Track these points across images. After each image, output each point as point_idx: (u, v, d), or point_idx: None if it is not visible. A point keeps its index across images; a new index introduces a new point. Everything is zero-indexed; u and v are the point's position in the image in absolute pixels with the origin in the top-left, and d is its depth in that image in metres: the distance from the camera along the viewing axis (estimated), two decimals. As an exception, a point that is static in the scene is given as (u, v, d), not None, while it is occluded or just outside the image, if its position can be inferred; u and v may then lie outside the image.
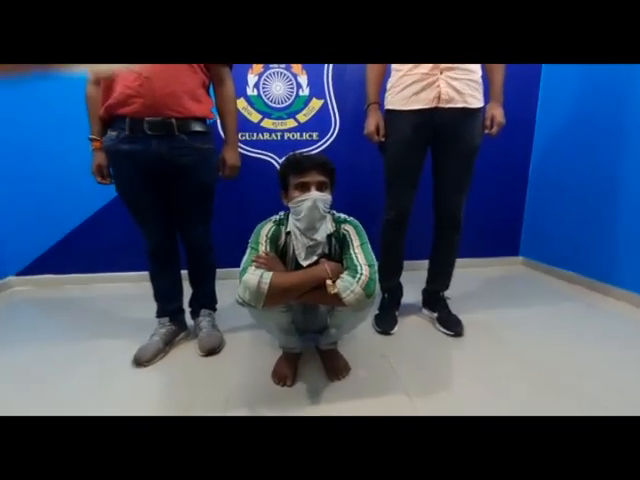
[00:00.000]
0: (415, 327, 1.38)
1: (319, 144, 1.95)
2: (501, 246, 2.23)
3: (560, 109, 1.92)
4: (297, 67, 1.86)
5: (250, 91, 1.86)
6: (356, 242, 0.92)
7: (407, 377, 1.04)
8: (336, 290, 0.81)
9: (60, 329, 1.44)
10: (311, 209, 0.88)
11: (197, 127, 1.05)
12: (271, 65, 1.84)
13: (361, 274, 0.84)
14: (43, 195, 1.85)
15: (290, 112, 1.91)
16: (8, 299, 1.80)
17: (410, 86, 1.11)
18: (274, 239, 0.95)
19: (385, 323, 1.31)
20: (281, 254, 0.97)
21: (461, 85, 1.09)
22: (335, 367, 1.05)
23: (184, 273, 1.28)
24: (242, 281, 0.83)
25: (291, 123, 1.92)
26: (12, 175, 1.82)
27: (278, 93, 1.88)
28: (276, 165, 1.93)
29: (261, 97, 1.87)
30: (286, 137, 1.92)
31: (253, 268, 0.84)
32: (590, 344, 1.23)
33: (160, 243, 1.16)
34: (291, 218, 0.96)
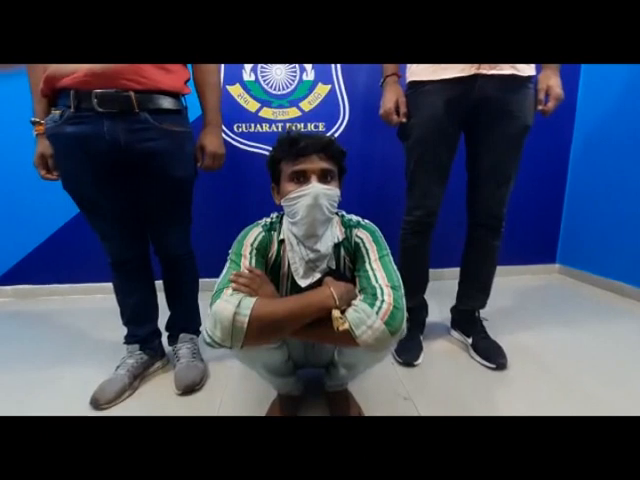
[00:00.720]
0: (445, 356, 1.11)
1: (326, 134, 1.70)
2: (536, 252, 1.94)
3: (604, 99, 1.64)
4: (300, 48, 1.62)
5: (247, 76, 1.63)
6: (373, 254, 0.67)
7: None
8: (346, 326, 0.56)
9: (29, 349, 1.24)
10: (311, 208, 0.63)
11: (166, 104, 0.81)
12: (270, 46, 1.60)
13: (382, 301, 0.59)
14: (19, 197, 1.65)
15: (293, 100, 1.66)
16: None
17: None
18: (262, 250, 0.71)
19: (407, 352, 1.04)
20: (272, 270, 0.72)
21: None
22: (345, 415, 0.79)
23: (160, 286, 1.05)
24: (212, 311, 0.58)
25: (294, 112, 1.67)
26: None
27: (279, 78, 1.64)
28: (277, 160, 1.69)
29: (259, 83, 1.64)
30: (286, 126, 1.68)
31: (229, 292, 0.60)
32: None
33: (126, 254, 0.93)
34: (285, 222, 0.71)
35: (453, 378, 1.00)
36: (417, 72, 0.93)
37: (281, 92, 1.66)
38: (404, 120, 0.96)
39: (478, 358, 1.04)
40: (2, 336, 1.36)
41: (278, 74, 1.64)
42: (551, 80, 0.89)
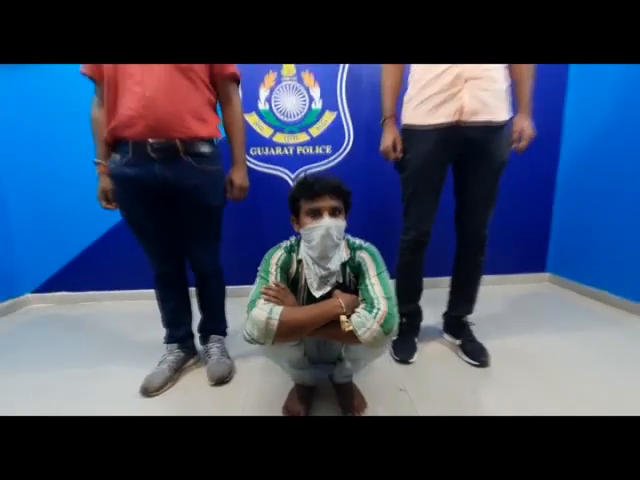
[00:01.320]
0: (436, 355, 1.28)
1: (332, 158, 1.89)
2: (526, 261, 2.10)
3: (591, 114, 1.79)
4: (309, 79, 1.82)
5: (262, 105, 1.83)
6: (372, 271, 0.85)
7: (427, 414, 0.95)
8: (351, 328, 0.74)
9: (73, 350, 1.42)
10: (324, 237, 0.82)
11: (203, 148, 1.01)
12: (283, 78, 1.80)
13: (378, 309, 0.77)
14: (58, 213, 1.87)
15: (302, 126, 1.86)
16: (24, 317, 1.82)
17: (431, 98, 1.04)
18: (285, 267, 0.89)
19: (403, 351, 1.22)
20: (292, 283, 0.90)
21: (486, 96, 1.01)
22: (351, 403, 0.97)
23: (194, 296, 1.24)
24: (250, 316, 0.77)
25: (303, 137, 1.87)
26: (28, 194, 1.84)
27: (290, 107, 1.84)
28: (288, 180, 1.88)
29: (273, 111, 1.84)
30: (299, 151, 1.88)
31: (262, 302, 0.78)
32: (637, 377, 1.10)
33: (166, 268, 1.12)
34: (303, 245, 0.90)
35: (442, 374, 1.16)
36: (410, 117, 1.11)
37: (292, 119, 1.85)
38: (400, 156, 1.14)
39: (465, 357, 1.21)
40: (47, 338, 1.56)
41: (290, 103, 1.84)
42: (524, 123, 1.07)
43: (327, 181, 0.86)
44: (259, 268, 0.89)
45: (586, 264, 1.86)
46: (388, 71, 1.14)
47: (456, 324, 1.31)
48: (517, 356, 1.25)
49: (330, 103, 1.85)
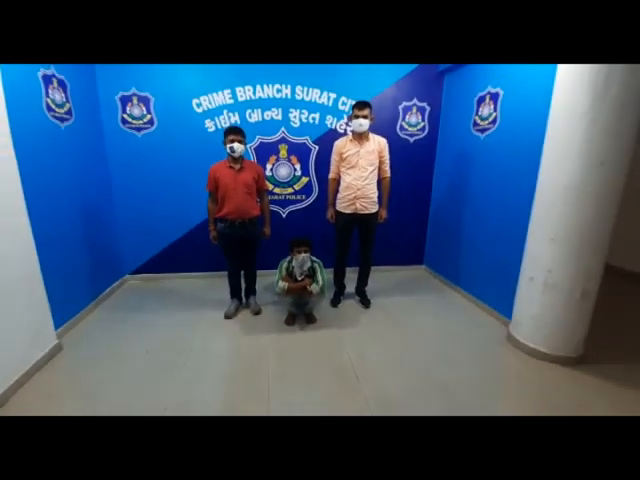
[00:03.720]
0: (350, 305, 2.92)
1: (306, 202, 3.42)
2: (412, 258, 3.79)
3: (446, 172, 3.45)
4: (294, 159, 3.29)
5: (268, 172, 3.29)
6: (318, 271, 2.43)
7: (338, 322, 2.57)
8: (310, 289, 2.34)
9: (169, 308, 2.89)
10: (301, 261, 2.38)
11: (255, 219, 2.51)
12: (280, 158, 3.26)
13: (318, 284, 2.36)
14: (151, 221, 3.26)
15: (289, 184, 3.35)
16: (126, 289, 3.23)
17: (345, 202, 2.59)
18: (288, 268, 2.45)
19: (335, 302, 2.85)
20: (289, 273, 2.46)
21: (367, 204, 2.57)
22: (310, 319, 2.57)
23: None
24: (278, 286, 2.34)
25: (290, 190, 3.37)
26: (129, 208, 3.22)
27: (283, 174, 3.32)
28: (281, 214, 3.39)
29: (273, 176, 3.31)
30: (286, 198, 3.38)
31: (281, 281, 2.35)
32: (432, 313, 2.80)
33: (235, 268, 2.64)
34: (294, 261, 2.45)
35: (350, 311, 2.80)
36: (338, 205, 2.65)
37: (284, 181, 3.34)
38: (333, 221, 2.70)
39: (360, 306, 2.86)
40: (146, 298, 3.02)
41: (283, 172, 3.31)
42: (383, 212, 2.66)
43: (303, 239, 2.41)
44: (278, 267, 2.45)
45: (441, 262, 3.57)
46: (331, 185, 2.67)
47: (360, 292, 2.94)
48: (385, 307, 2.91)
49: (305, 172, 3.35)
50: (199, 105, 3.04)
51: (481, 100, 2.79)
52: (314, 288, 2.35)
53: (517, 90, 2.41)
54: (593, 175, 1.82)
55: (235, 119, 3.10)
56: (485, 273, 2.82)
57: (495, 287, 2.69)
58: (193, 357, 2.11)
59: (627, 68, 1.67)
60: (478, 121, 2.83)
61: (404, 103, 3.29)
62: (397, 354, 2.19)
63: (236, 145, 2.28)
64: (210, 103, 3.05)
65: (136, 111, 2.98)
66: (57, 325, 2.20)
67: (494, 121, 2.64)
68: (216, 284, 3.16)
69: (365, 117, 2.38)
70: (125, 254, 3.27)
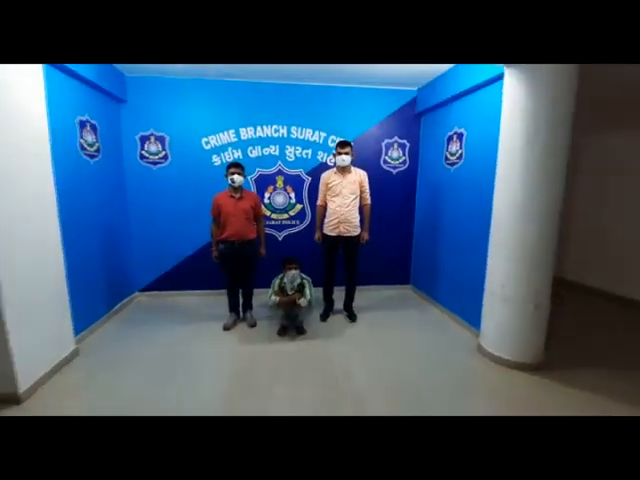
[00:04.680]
0: (338, 319, 3.19)
1: (299, 226, 3.79)
2: (399, 277, 4.09)
3: (424, 200, 3.82)
4: (289, 189, 3.71)
5: (266, 200, 3.70)
6: (307, 287, 2.76)
7: (326, 334, 2.84)
8: (299, 302, 2.65)
9: (174, 321, 3.20)
10: (291, 277, 2.71)
11: (252, 241, 2.87)
12: (276, 188, 3.68)
13: (306, 298, 2.68)
14: (160, 244, 3.63)
15: (285, 210, 3.75)
16: (136, 305, 3.55)
17: (331, 226, 2.96)
18: (280, 284, 2.78)
19: (324, 316, 3.13)
20: (281, 288, 2.78)
21: (349, 227, 2.94)
22: (301, 331, 2.85)
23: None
24: (270, 299, 2.66)
25: (285, 216, 3.76)
26: (142, 230, 3.60)
27: (279, 202, 3.72)
28: (277, 237, 3.76)
29: (271, 203, 3.71)
30: (282, 222, 3.76)
31: (274, 295, 2.67)
32: (412, 327, 3.06)
33: (234, 285, 2.97)
34: (285, 277, 2.77)
35: (338, 325, 3.07)
36: (324, 229, 3.01)
37: (280, 207, 3.74)
38: (320, 242, 3.05)
39: (347, 320, 3.14)
40: (158, 316, 3.32)
41: (279, 200, 3.72)
42: (364, 234, 3.02)
43: (293, 258, 2.76)
44: (271, 283, 2.78)
45: (424, 281, 3.86)
46: (318, 211, 3.06)
47: (347, 307, 3.22)
48: (369, 320, 3.18)
49: (299, 199, 3.75)
50: (207, 143, 3.51)
51: (450, 139, 3.22)
52: (302, 301, 2.66)
53: (476, 129, 2.83)
54: (533, 200, 2.18)
55: (238, 155, 3.56)
56: (458, 289, 3.11)
57: (467, 302, 2.97)
58: (195, 361, 2.40)
59: (552, 120, 2.08)
60: (449, 156, 3.25)
61: (386, 140, 3.75)
62: (375, 360, 2.46)
63: (236, 177, 2.69)
64: (217, 141, 3.52)
65: (153, 148, 3.45)
66: (76, 332, 2.51)
67: (460, 157, 3.05)
68: (217, 301, 3.47)
69: (347, 154, 2.80)
70: (136, 273, 3.62)
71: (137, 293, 3.68)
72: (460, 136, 3.05)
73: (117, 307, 3.28)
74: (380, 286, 3.98)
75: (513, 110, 2.20)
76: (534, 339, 2.34)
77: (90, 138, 2.84)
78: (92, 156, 2.86)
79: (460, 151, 3.05)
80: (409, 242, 4.03)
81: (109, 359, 2.43)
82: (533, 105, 2.10)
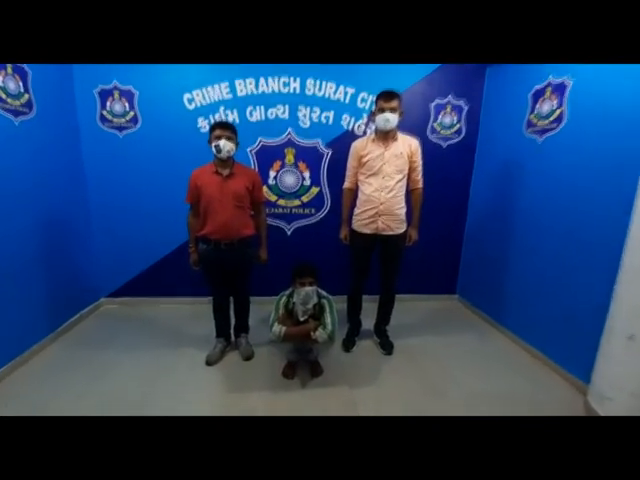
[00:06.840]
0: (367, 348, 2.30)
1: (315, 216, 2.86)
2: (443, 286, 3.15)
3: (487, 185, 2.83)
4: (302, 166, 2.76)
5: (271, 181, 2.76)
6: (327, 311, 1.84)
7: (350, 376, 1.96)
8: (315, 336, 1.74)
9: (140, 346, 2.33)
10: (305, 297, 1.80)
11: (247, 240, 1.96)
12: (285, 165, 2.73)
13: (327, 330, 1.76)
14: (133, 237, 2.77)
15: (297, 195, 2.81)
16: (100, 315, 2.73)
17: (364, 219, 2.02)
18: (287, 304, 1.87)
19: (348, 345, 2.24)
20: (289, 312, 1.88)
21: (392, 222, 1.99)
22: (315, 370, 1.98)
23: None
24: (272, 331, 1.76)
25: (297, 202, 2.82)
26: (106, 227, 2.73)
27: (289, 183, 2.78)
28: (286, 230, 2.85)
29: (277, 185, 2.78)
30: (293, 212, 2.83)
31: (277, 324, 1.77)
32: (476, 366, 2.15)
33: (221, 300, 2.08)
34: (295, 295, 1.87)
35: (367, 358, 2.18)
36: (354, 224, 2.08)
37: (290, 191, 2.80)
38: (347, 242, 2.13)
39: (380, 350, 2.24)
40: (119, 329, 2.48)
41: (289, 180, 2.78)
42: (412, 232, 2.07)
43: (309, 267, 1.84)
44: (274, 303, 1.87)
45: (479, 293, 2.92)
46: (346, 196, 2.11)
47: (379, 331, 2.32)
48: (409, 350, 2.28)
49: (316, 181, 2.80)
50: (191, 101, 2.56)
51: (538, 94, 2.20)
52: (320, 335, 1.75)
53: (595, 78, 1.81)
54: None
55: (233, 117, 2.61)
56: (541, 314, 2.17)
57: (558, 334, 2.03)
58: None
59: None
60: (534, 120, 2.23)
61: (437, 100, 2.72)
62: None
63: (222, 142, 1.75)
64: (204, 98, 2.57)
65: (117, 107, 2.53)
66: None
67: (559, 119, 2.04)
68: (203, 312, 2.58)
69: (393, 110, 1.82)
70: (102, 274, 2.78)
71: (103, 299, 2.86)
72: (559, 89, 2.03)
73: (74, 319, 2.48)
74: (417, 295, 3.05)
75: None
76: None
77: (12, 86, 1.92)
78: (17, 113, 1.96)
79: (558, 111, 2.04)
80: (458, 239, 3.07)
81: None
82: None
